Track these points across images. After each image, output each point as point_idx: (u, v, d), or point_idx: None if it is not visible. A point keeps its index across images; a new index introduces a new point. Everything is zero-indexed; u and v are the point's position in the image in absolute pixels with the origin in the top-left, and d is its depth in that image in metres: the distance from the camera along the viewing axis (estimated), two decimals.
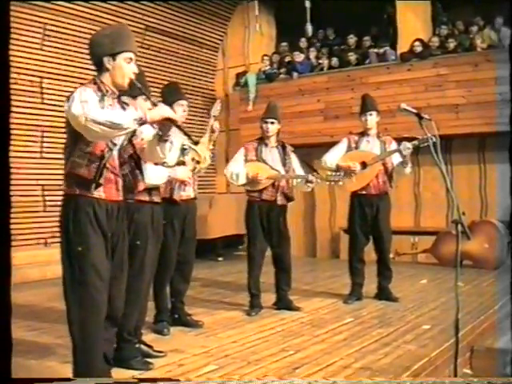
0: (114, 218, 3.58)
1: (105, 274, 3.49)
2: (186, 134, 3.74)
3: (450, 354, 4.45)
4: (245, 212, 6.30)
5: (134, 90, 3.77)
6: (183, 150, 4.92)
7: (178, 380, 3.77)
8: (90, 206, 3.45)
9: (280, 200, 6.14)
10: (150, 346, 4.61)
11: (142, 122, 3.34)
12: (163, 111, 3.46)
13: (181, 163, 4.98)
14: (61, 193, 3.56)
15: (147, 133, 3.88)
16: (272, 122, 6.17)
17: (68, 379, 3.45)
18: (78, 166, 3.41)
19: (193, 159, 5.25)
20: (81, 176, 3.41)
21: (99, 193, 3.49)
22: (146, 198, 4.57)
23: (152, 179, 4.51)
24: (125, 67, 3.51)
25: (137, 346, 4.42)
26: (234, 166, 6.23)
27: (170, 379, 3.78)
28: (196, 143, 4.34)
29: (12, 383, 3.38)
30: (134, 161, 4.20)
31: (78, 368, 3.48)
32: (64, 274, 3.49)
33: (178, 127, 3.65)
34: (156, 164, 4.45)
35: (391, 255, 7.09)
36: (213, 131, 5.54)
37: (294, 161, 6.28)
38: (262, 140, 6.27)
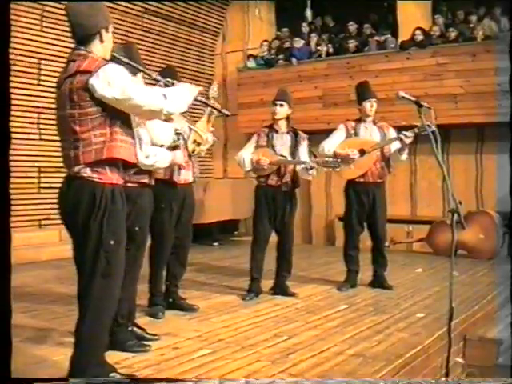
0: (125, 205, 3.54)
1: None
2: (209, 104, 4.38)
3: (442, 343, 4.47)
4: (254, 196, 6.34)
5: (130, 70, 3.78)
6: (178, 134, 4.91)
7: (175, 380, 3.77)
8: (121, 195, 3.40)
9: (284, 186, 6.15)
10: (143, 329, 4.62)
11: None
12: (194, 88, 3.64)
13: (175, 147, 4.94)
14: (57, 175, 3.48)
15: None
16: (281, 105, 6.15)
17: (66, 379, 3.42)
18: (123, 150, 3.32)
19: (194, 141, 5.22)
20: (125, 161, 3.36)
21: (122, 179, 3.45)
22: (147, 180, 4.56)
23: (159, 162, 4.52)
24: (111, 40, 3.47)
25: (130, 329, 4.43)
26: (244, 151, 6.26)
27: (164, 379, 3.78)
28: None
29: (12, 383, 3.37)
30: None
31: (80, 358, 3.38)
32: (86, 265, 3.33)
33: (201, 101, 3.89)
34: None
35: (386, 243, 7.10)
36: (211, 113, 5.44)
37: (303, 149, 6.23)
38: (272, 126, 6.26)
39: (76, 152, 3.27)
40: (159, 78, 3.94)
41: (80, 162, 3.27)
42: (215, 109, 4.61)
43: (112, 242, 3.31)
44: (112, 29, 3.47)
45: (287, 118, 6.24)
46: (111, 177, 3.33)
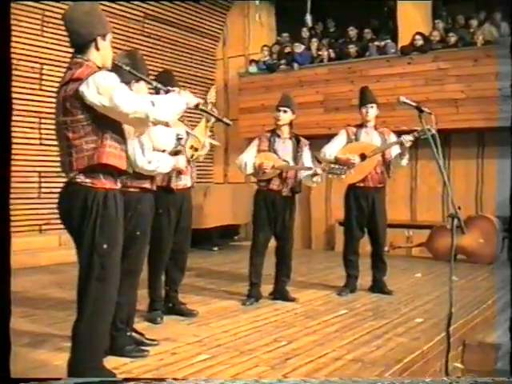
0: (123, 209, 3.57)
1: (119, 271, 3.52)
2: (211, 114, 4.52)
3: (441, 348, 4.47)
4: (253, 200, 6.33)
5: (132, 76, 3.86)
6: (179, 140, 4.92)
7: (164, 379, 3.77)
8: (115, 200, 3.41)
9: (285, 191, 6.13)
10: (141, 334, 4.62)
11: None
12: (195, 98, 3.70)
13: (176, 153, 4.95)
14: (58, 180, 3.49)
15: None
16: (285, 111, 6.14)
17: (66, 379, 3.42)
18: (112, 157, 3.35)
19: (191, 146, 5.22)
20: (115, 167, 3.39)
21: (118, 184, 3.49)
22: (148, 185, 4.57)
23: (161, 167, 4.53)
24: (110, 48, 3.49)
25: (128, 334, 4.43)
26: (246, 155, 6.24)
27: (155, 379, 3.78)
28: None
29: (11, 383, 3.38)
30: None
31: (77, 362, 3.40)
32: (81, 269, 3.38)
33: (203, 110, 4.07)
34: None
35: (386, 248, 7.10)
36: (209, 118, 5.39)
37: (306, 155, 6.23)
38: (275, 131, 6.26)
39: (70, 158, 3.33)
40: (160, 85, 3.96)
41: (74, 168, 3.33)
42: (216, 118, 4.61)
43: (105, 246, 3.34)
44: (110, 36, 3.48)
45: (290, 124, 6.24)
46: (105, 182, 3.37)
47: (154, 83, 4.01)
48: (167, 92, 3.82)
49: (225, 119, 4.48)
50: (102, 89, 3.22)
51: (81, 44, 3.39)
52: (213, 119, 5.17)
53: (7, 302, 3.39)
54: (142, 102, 3.30)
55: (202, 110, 4.01)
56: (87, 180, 3.32)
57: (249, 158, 6.20)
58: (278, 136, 6.21)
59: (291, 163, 6.14)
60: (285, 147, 6.19)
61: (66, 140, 3.33)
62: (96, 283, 3.34)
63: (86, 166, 3.30)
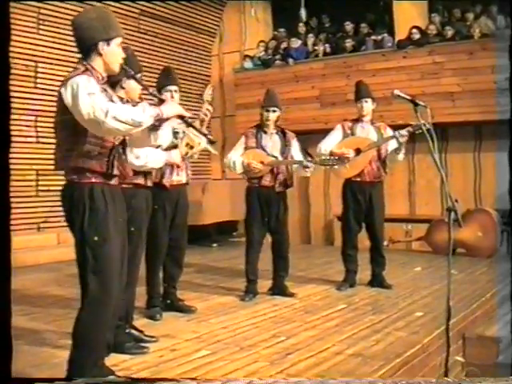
0: (122, 203, 3.60)
1: (119, 264, 3.51)
2: (196, 129, 4.10)
3: (441, 342, 4.46)
4: (245, 198, 6.32)
5: (123, 73, 3.85)
6: (175, 134, 4.91)
7: (176, 380, 3.76)
8: (103, 193, 3.41)
9: (278, 186, 6.14)
10: (140, 331, 4.61)
11: (158, 119, 3.35)
12: (176, 109, 3.51)
13: (173, 147, 4.95)
14: (55, 178, 3.52)
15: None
16: (274, 111, 6.16)
17: (69, 379, 3.41)
18: (88, 159, 3.34)
19: (187, 144, 5.22)
20: (93, 170, 3.38)
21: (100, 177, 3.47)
22: (141, 181, 4.57)
23: (151, 162, 4.53)
24: (117, 53, 3.44)
25: (127, 331, 4.43)
26: (233, 154, 6.24)
27: (169, 379, 3.77)
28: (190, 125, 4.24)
29: (12, 383, 3.38)
30: (122, 146, 4.05)
31: (76, 355, 3.40)
32: (78, 263, 3.42)
33: (187, 122, 3.73)
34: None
35: (385, 242, 7.10)
36: (205, 115, 5.31)
37: (295, 147, 6.25)
38: (261, 127, 6.25)
39: (60, 155, 3.42)
40: (151, 90, 3.94)
41: (62, 166, 3.43)
42: (202, 133, 4.46)
43: (96, 239, 3.35)
44: (118, 41, 3.42)
45: (276, 120, 6.25)
46: (90, 176, 3.37)
47: (151, 90, 3.98)
48: (154, 96, 3.81)
49: (209, 136, 4.26)
50: (73, 90, 3.22)
51: (83, 49, 3.42)
52: (209, 115, 5.20)
53: (8, 305, 3.39)
54: (99, 110, 3.16)
55: (187, 123, 3.77)
56: (74, 176, 3.37)
57: (237, 156, 6.19)
58: (265, 132, 6.21)
59: (279, 158, 6.14)
60: (272, 143, 6.20)
61: (56, 139, 3.45)
62: (93, 276, 3.36)
63: (70, 164, 3.36)
